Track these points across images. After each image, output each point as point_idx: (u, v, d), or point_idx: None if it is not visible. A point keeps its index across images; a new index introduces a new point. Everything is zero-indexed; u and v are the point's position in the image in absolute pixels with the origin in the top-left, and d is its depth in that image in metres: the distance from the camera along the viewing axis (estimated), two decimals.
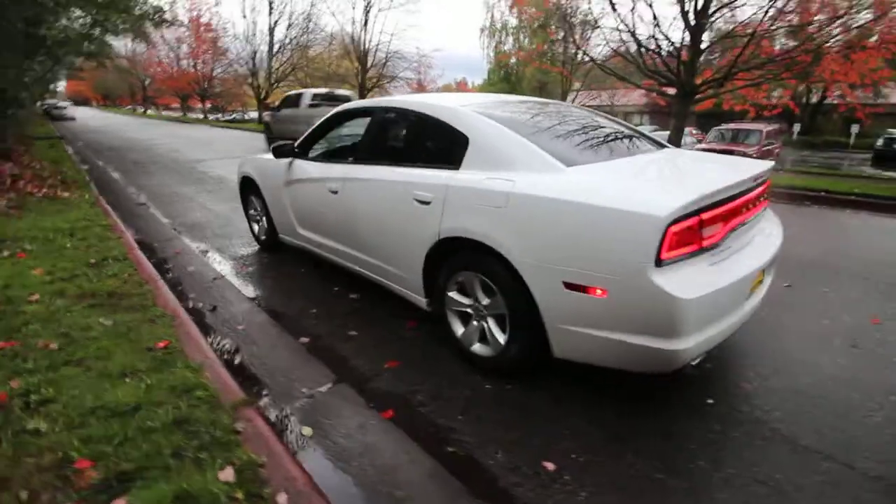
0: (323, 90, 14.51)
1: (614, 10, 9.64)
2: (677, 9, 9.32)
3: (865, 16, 8.80)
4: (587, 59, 11.89)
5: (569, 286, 1.88)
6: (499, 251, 2.09)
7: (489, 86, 30.05)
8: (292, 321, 3.03)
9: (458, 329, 2.50)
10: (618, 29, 10.15)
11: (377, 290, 3.29)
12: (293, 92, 14.83)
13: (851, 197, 7.14)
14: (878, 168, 12.82)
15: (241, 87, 29.31)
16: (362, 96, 24.97)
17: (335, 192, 3.09)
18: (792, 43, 9.54)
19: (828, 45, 8.57)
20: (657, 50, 9.68)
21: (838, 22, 8.59)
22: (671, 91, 10.10)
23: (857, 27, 8.60)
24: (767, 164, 2.27)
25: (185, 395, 1.99)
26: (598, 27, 10.64)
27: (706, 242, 1.82)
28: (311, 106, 13.11)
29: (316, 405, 2.18)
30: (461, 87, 51.97)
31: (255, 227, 4.56)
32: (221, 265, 4.11)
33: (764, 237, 2.26)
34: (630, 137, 2.71)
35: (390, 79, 24.60)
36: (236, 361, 2.54)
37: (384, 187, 2.68)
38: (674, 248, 1.70)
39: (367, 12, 24.12)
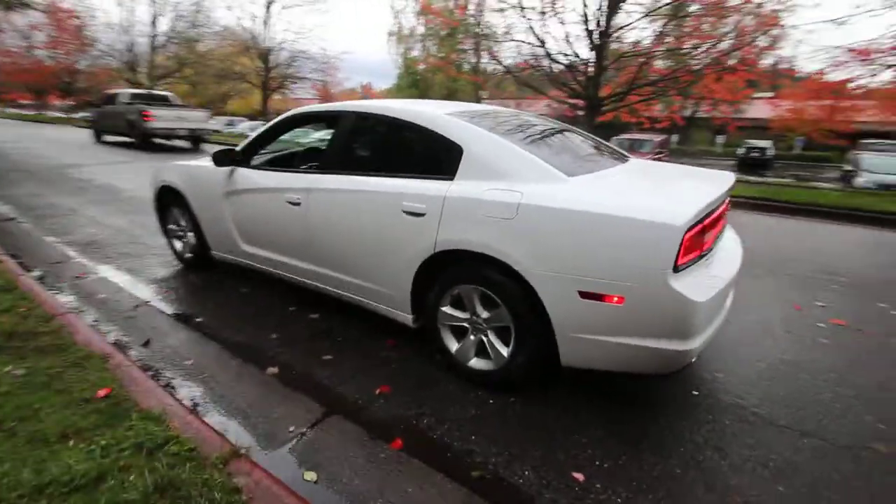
0: (142, 91, 16.34)
1: (531, 26, 10.20)
2: (586, 27, 10.12)
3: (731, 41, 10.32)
4: (497, 68, 12.42)
5: (584, 295, 1.89)
6: (506, 262, 2.04)
7: (398, 91, 29.99)
8: (251, 350, 2.68)
9: (453, 345, 2.40)
10: (529, 42, 10.75)
11: (341, 308, 3.06)
12: (112, 91, 15.86)
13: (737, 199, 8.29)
14: (741, 173, 15.11)
15: (117, 82, 25.82)
16: (265, 97, 23.39)
17: (296, 204, 2.81)
18: (673, 64, 10.81)
19: (708, 66, 9.89)
20: (568, 64, 10.40)
21: (705, 46, 9.97)
22: (580, 103, 10.91)
23: (721, 53, 10.03)
24: (733, 177, 2.51)
25: (158, 453, 1.65)
26: (506, 40, 11.17)
27: (704, 248, 1.94)
28: (127, 104, 14.30)
29: (311, 444, 1.93)
30: (366, 91, 51.28)
31: (178, 244, 4.00)
32: (140, 289, 3.53)
33: (731, 242, 2.49)
34: (601, 148, 2.83)
35: (296, 79, 23.39)
36: (200, 405, 2.17)
37: (365, 199, 2.49)
38: (686, 255, 1.80)
39: (268, 7, 22.71)
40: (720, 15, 9.58)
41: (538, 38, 10.47)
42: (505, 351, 2.21)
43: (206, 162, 3.67)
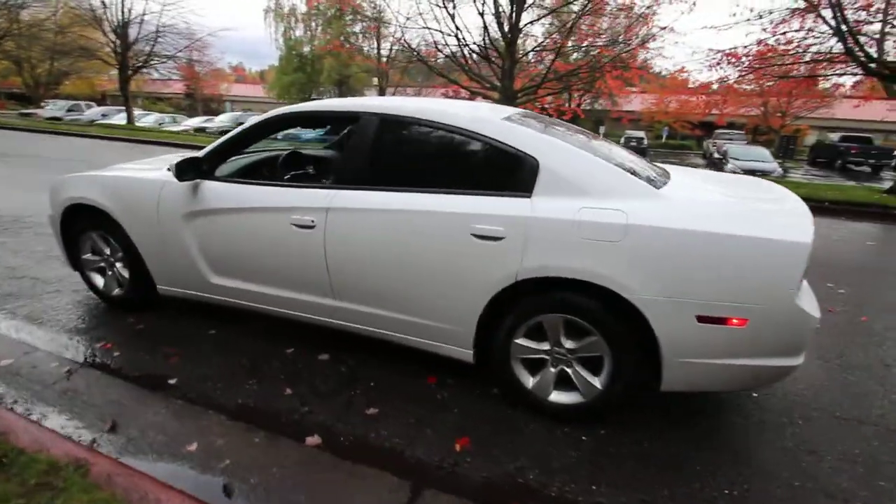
0: None
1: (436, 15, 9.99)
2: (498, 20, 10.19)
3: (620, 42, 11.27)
4: (403, 55, 12.11)
5: (703, 319, 1.78)
6: (610, 289, 1.84)
7: (283, 75, 27.46)
8: (269, 416, 2.14)
9: (527, 380, 2.15)
10: (441, 31, 10.55)
11: (349, 343, 2.62)
12: None
13: None
14: None
15: None
16: (124, 78, 19.73)
17: (307, 227, 2.28)
18: (581, 58, 11.50)
19: (606, 63, 10.65)
20: (485, 56, 10.42)
21: (599, 45, 10.78)
22: (495, 95, 11.04)
23: (604, 49, 10.90)
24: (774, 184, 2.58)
25: None
26: (413, 27, 10.85)
27: None
28: None
29: None
30: (238, 72, 46.58)
31: (99, 279, 3.10)
32: (60, 346, 2.66)
33: None
34: (636, 152, 2.78)
35: (164, 58, 20.07)
36: None
37: (418, 220, 2.08)
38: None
39: None
40: (598, 14, 10.40)
41: (455, 27, 10.32)
42: (596, 381, 2.03)
43: (146, 171, 2.86)
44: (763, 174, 11.99)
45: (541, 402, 2.14)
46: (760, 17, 8.48)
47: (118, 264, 2.98)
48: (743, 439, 2.08)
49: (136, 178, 2.78)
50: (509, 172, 2.04)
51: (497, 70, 10.65)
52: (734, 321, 1.77)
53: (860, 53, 6.88)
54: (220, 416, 2.12)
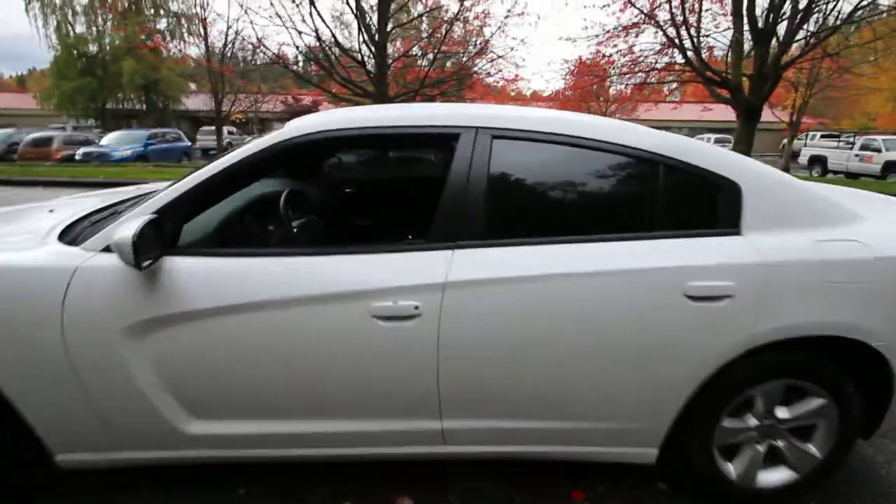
0: None
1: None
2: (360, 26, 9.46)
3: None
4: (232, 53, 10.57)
5: None
6: (861, 340, 1.47)
7: (63, 80, 21.02)
8: None
9: (729, 469, 1.65)
10: (300, 31, 9.37)
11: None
12: None
13: None
14: None
15: None
16: None
17: (407, 318, 1.39)
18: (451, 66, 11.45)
19: (471, 72, 10.79)
20: (353, 57, 9.57)
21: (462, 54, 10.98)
22: (368, 102, 10.25)
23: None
24: None
25: None
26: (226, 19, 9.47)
27: None
28: None
29: None
30: None
31: None
32: None
33: None
34: None
35: None
36: None
37: (603, 284, 1.40)
38: None
39: None
40: (437, 25, 10.60)
41: (314, 27, 9.22)
42: (814, 450, 1.64)
43: (16, 250, 1.52)
44: None
45: (747, 490, 1.66)
46: (606, 31, 9.50)
47: None
48: None
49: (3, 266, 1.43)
50: (703, 204, 1.53)
51: (369, 75, 9.88)
52: None
53: (697, 63, 8.13)
54: None
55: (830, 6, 7.29)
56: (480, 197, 1.47)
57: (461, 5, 9.87)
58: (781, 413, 1.62)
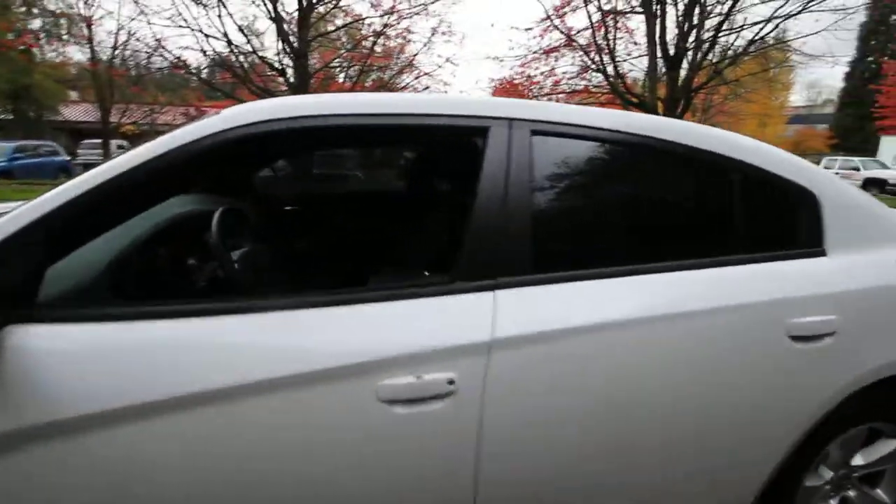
0: None
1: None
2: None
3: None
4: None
5: None
6: None
7: None
8: None
9: None
10: (208, 35, 8.45)
11: None
12: None
13: None
14: None
15: None
16: None
17: (438, 397, 0.92)
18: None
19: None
20: (272, 64, 8.82)
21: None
22: None
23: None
24: None
25: None
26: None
27: None
28: None
29: None
30: None
31: None
32: None
33: None
34: None
35: None
36: None
37: (709, 326, 1.05)
38: None
39: None
40: (358, 39, 10.38)
41: (223, 31, 8.36)
42: (885, 496, 1.42)
43: None
44: None
45: None
46: (532, 52, 9.77)
47: None
48: None
49: None
50: (783, 219, 1.25)
51: (289, 85, 9.15)
52: None
53: (619, 84, 8.56)
54: None
55: (731, 38, 8.05)
56: (526, 216, 1.05)
57: (383, 21, 9.62)
58: (857, 460, 1.37)
